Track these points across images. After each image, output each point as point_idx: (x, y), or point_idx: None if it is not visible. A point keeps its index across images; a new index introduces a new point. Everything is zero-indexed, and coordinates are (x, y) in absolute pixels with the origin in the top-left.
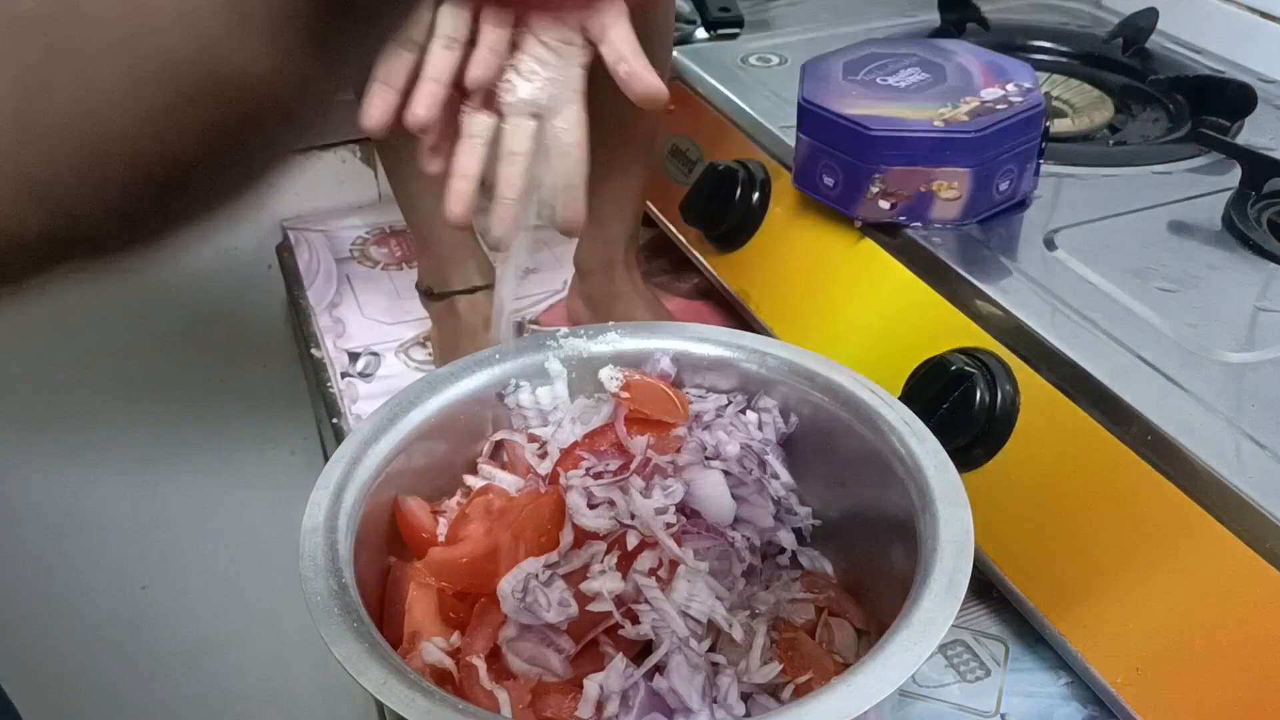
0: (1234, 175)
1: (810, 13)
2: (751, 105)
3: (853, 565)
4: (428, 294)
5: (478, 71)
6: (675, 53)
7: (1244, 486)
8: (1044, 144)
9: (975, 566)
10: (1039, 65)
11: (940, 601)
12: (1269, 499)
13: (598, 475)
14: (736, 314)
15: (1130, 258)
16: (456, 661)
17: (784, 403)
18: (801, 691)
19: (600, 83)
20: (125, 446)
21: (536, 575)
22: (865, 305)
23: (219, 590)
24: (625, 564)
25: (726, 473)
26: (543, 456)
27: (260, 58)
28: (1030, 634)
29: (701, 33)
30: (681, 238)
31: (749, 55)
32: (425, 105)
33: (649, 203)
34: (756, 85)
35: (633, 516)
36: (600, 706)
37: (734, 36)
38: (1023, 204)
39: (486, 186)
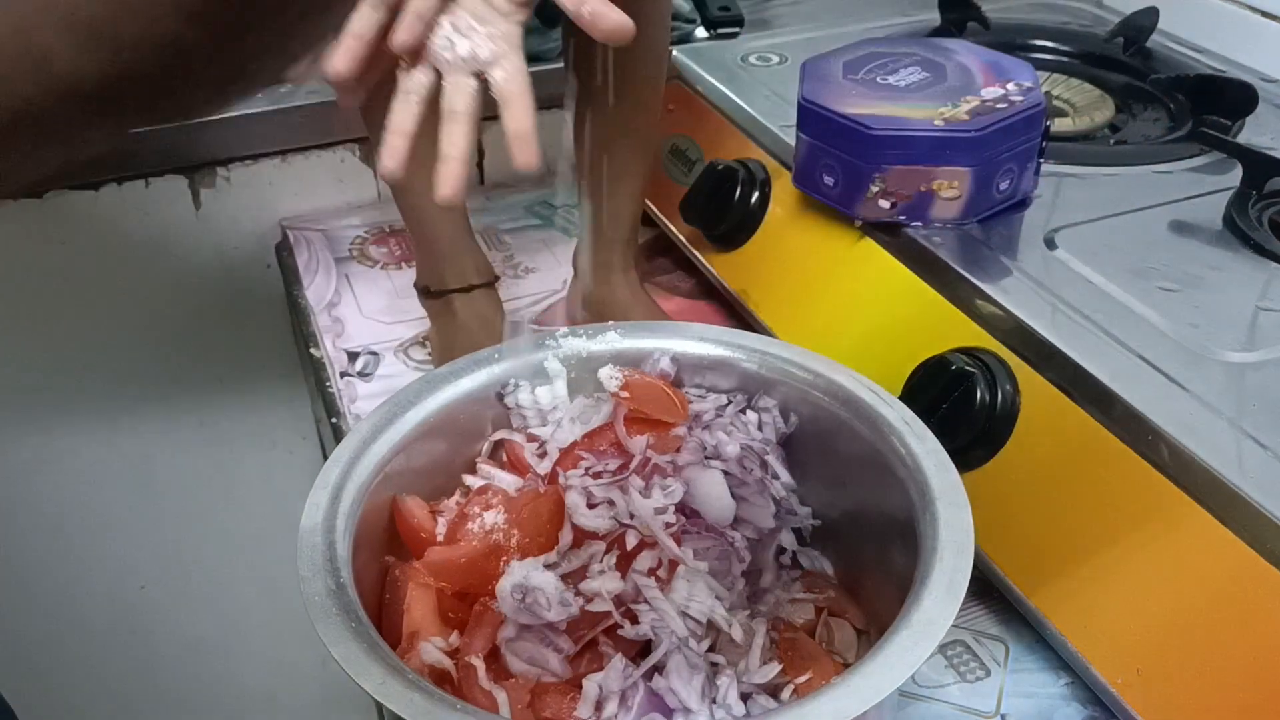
0: (1235, 175)
1: (810, 12)
2: (751, 105)
3: (853, 565)
4: (425, 292)
5: (402, 35)
6: (675, 52)
7: (1245, 486)
8: (1044, 143)
9: (975, 566)
10: (1039, 64)
11: (940, 602)
12: (1270, 499)
13: (597, 475)
14: (736, 314)
15: (1131, 257)
16: (455, 661)
17: (784, 402)
18: (801, 691)
19: (600, 83)
20: (124, 446)
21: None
22: (865, 305)
23: (218, 590)
24: (624, 564)
25: (727, 473)
26: (542, 456)
27: None
28: (1030, 634)
29: (701, 32)
30: (681, 237)
31: (749, 54)
32: (342, 59)
33: (649, 202)
34: (756, 85)
35: (632, 516)
36: (599, 706)
37: (734, 36)
38: (1023, 203)
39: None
